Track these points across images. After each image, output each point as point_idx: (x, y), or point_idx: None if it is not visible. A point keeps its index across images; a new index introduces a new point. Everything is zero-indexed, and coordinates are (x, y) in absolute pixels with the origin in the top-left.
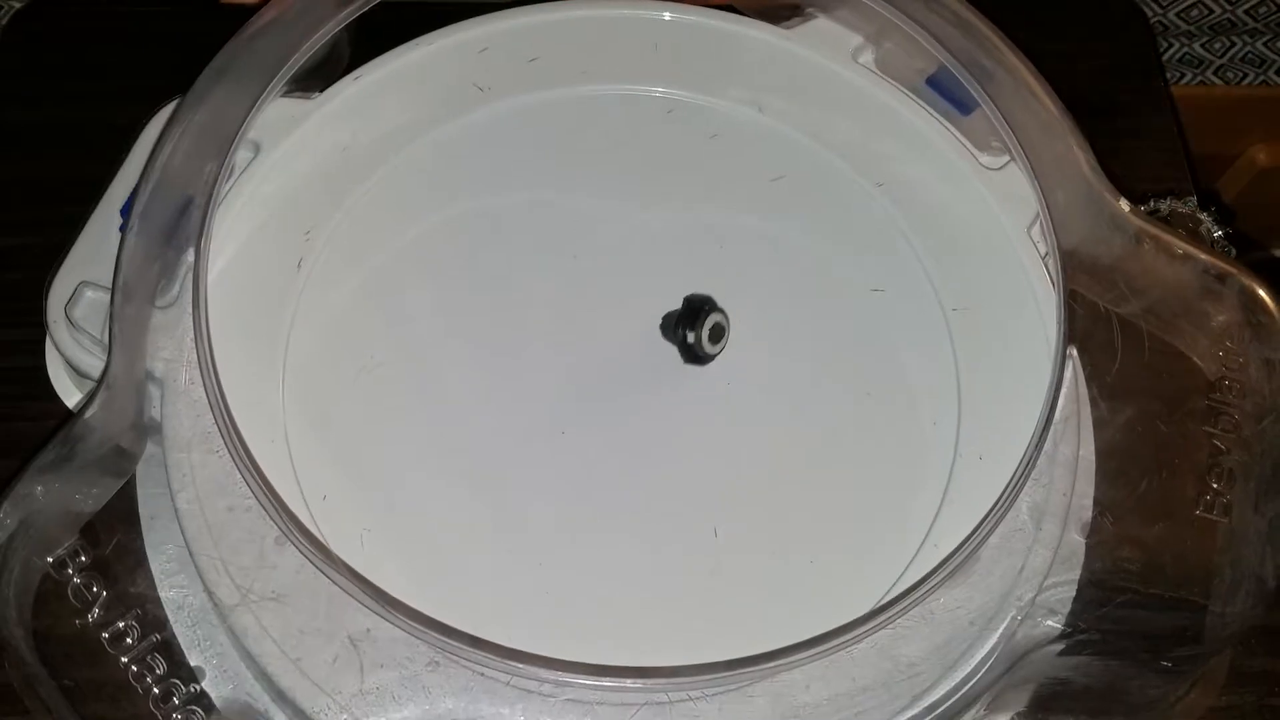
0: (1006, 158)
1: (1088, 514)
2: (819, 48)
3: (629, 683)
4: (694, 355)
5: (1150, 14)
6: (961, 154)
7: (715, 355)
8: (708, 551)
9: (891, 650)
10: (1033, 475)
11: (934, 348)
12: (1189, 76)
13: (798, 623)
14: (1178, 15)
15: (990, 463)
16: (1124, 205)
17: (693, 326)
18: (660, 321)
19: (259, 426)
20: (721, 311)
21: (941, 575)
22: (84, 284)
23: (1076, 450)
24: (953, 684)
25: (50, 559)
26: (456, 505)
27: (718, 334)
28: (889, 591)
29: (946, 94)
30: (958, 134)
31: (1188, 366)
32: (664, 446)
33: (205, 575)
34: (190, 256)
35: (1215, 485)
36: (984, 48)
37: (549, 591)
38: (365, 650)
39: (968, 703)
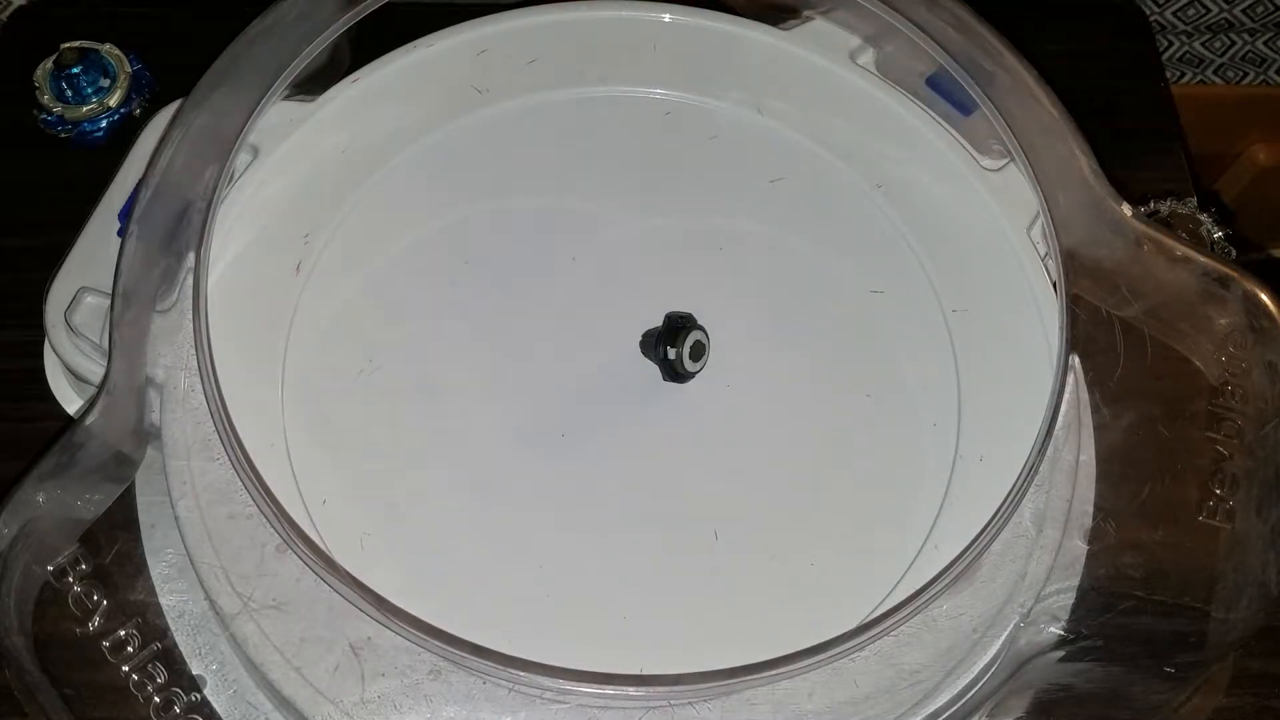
0: (1006, 159)
1: (1089, 519)
2: (818, 49)
3: (631, 690)
4: (674, 373)
5: (1147, 13)
6: (961, 155)
7: (696, 373)
8: (708, 554)
9: (894, 657)
10: (1034, 481)
11: (934, 349)
12: (1189, 76)
13: (799, 625)
14: (1174, 14)
15: (991, 464)
16: (1125, 209)
17: (673, 344)
18: (640, 339)
19: (258, 431)
20: (702, 329)
21: (944, 582)
22: (83, 290)
23: (1078, 455)
24: (955, 691)
25: (50, 567)
26: (456, 509)
27: (698, 351)
28: (890, 593)
29: (946, 95)
30: (957, 136)
31: (1190, 371)
32: (664, 449)
33: (206, 583)
34: (189, 261)
35: (1218, 491)
36: (984, 49)
37: (550, 595)
38: (366, 658)
39: (970, 709)
